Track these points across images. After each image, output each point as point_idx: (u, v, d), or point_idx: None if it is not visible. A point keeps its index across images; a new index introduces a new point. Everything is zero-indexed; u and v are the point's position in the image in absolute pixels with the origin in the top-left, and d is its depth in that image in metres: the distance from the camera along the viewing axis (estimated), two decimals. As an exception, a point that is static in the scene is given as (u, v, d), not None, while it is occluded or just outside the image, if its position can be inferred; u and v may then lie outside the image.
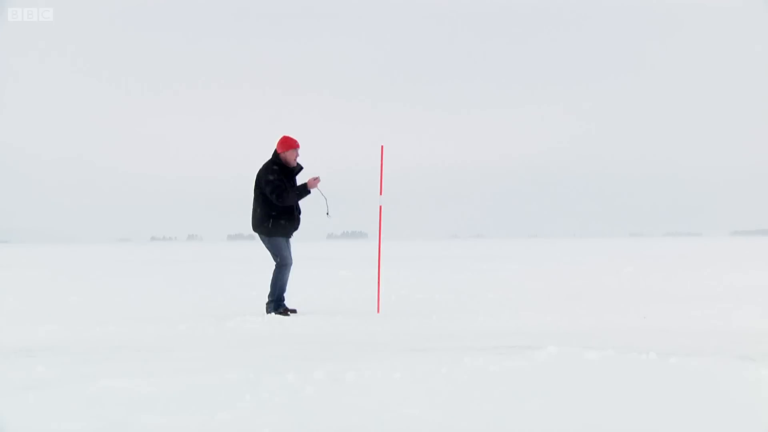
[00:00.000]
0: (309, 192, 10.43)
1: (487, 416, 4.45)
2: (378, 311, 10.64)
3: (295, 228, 10.59)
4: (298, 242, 10.93)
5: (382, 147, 11.04)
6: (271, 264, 10.64)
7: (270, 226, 10.43)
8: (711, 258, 30.54)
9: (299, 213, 10.56)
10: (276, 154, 10.42)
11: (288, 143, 10.43)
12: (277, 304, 10.44)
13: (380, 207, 11.14)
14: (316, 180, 10.41)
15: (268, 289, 10.55)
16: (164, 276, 22.06)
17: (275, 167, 10.37)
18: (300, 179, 10.55)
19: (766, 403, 4.71)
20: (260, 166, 10.47)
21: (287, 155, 10.41)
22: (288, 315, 10.25)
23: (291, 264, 10.55)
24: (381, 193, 11.10)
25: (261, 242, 10.63)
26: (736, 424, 4.31)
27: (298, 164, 10.57)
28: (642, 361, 5.70)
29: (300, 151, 10.51)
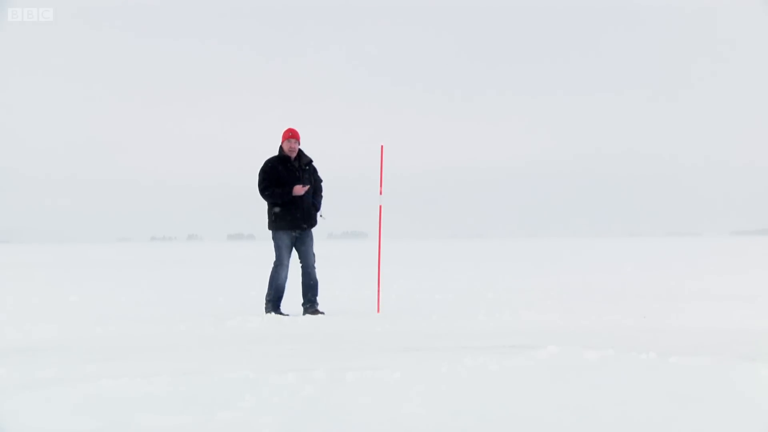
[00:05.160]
0: (290, 197, 10.34)
1: (487, 416, 4.45)
2: (378, 311, 10.64)
3: (300, 222, 10.42)
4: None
5: (382, 147, 11.04)
6: (270, 263, 10.64)
7: (273, 219, 10.45)
8: (711, 258, 30.53)
9: (307, 206, 10.43)
10: (280, 146, 10.51)
11: (284, 134, 10.49)
12: (275, 304, 10.43)
13: (380, 207, 11.14)
14: (301, 189, 10.33)
15: (266, 289, 10.54)
16: (164, 276, 22.05)
17: (274, 160, 10.44)
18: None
19: (766, 403, 4.71)
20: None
21: (283, 145, 10.48)
22: (286, 315, 10.24)
23: (286, 264, 10.44)
24: (381, 193, 11.10)
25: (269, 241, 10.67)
26: (736, 424, 4.31)
27: (305, 156, 10.53)
28: (642, 361, 5.70)
29: (300, 141, 10.47)
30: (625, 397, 4.77)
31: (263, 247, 11.20)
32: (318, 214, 10.61)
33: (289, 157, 10.44)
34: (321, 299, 10.65)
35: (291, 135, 10.44)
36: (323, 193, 10.70)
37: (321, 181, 10.70)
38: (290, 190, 10.30)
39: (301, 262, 10.49)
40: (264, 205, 10.55)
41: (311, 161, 10.59)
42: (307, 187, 10.35)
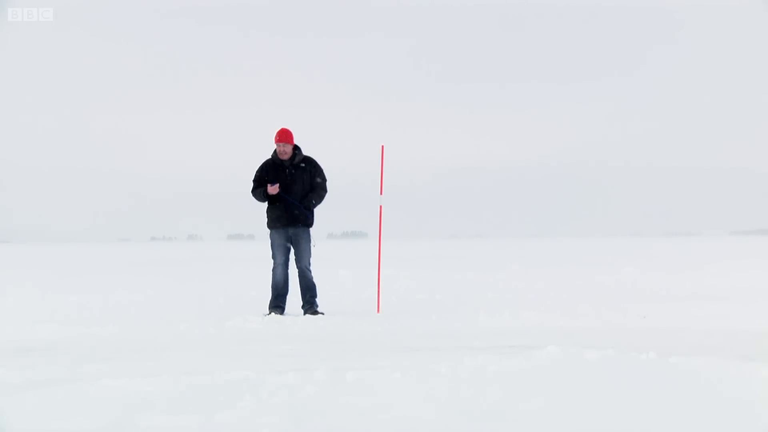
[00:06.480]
0: (265, 196, 10.27)
1: (487, 416, 4.45)
2: (378, 311, 10.64)
3: (285, 220, 10.32)
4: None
5: (382, 146, 11.05)
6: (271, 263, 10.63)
7: (266, 219, 10.49)
8: (710, 258, 30.54)
9: (290, 204, 10.29)
10: (274, 149, 10.47)
11: (275, 137, 10.38)
12: (271, 303, 10.42)
13: (380, 207, 11.14)
14: (271, 187, 10.20)
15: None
16: (164, 276, 22.05)
17: (268, 162, 10.42)
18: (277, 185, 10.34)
19: (766, 403, 4.71)
20: (261, 163, 10.57)
21: (276, 147, 10.39)
22: (279, 313, 10.25)
23: (279, 263, 10.40)
24: (381, 193, 11.10)
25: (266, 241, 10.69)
26: (736, 424, 4.31)
27: (298, 155, 10.35)
28: (642, 361, 5.70)
29: (293, 140, 10.35)
30: (625, 397, 4.77)
31: (263, 247, 11.22)
32: (310, 215, 10.42)
33: (284, 161, 10.38)
34: (321, 299, 10.63)
35: (280, 138, 10.34)
36: (324, 193, 10.42)
37: (324, 180, 10.44)
38: (265, 189, 10.26)
39: (296, 264, 10.48)
40: (260, 205, 10.58)
41: (306, 159, 10.41)
42: (276, 185, 10.19)
